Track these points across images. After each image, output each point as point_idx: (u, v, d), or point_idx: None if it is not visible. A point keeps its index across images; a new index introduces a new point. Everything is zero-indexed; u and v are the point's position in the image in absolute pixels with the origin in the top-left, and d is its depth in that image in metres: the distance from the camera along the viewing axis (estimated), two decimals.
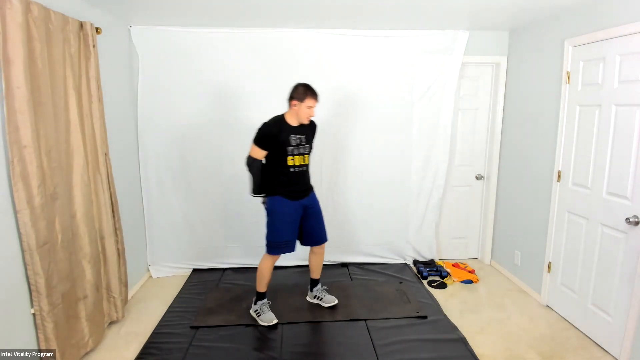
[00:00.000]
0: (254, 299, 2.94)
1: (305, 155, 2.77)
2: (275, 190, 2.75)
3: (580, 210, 2.79)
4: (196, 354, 2.51)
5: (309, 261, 3.04)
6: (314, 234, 2.91)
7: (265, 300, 2.92)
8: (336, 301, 3.05)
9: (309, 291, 3.14)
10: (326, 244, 3.83)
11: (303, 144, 2.74)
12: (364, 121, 3.69)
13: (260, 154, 2.68)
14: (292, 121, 2.69)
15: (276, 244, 2.75)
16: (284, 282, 3.45)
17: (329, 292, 3.14)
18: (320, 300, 3.07)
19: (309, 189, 2.88)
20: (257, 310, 2.88)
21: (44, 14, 2.11)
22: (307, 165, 2.81)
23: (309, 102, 2.62)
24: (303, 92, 2.62)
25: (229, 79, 3.54)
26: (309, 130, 2.81)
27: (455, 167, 3.94)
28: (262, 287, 2.87)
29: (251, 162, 2.69)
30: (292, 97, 2.66)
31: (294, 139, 2.68)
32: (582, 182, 2.77)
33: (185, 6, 2.82)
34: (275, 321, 2.82)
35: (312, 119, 2.82)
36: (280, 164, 2.70)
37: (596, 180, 2.64)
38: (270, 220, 2.76)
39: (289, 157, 2.68)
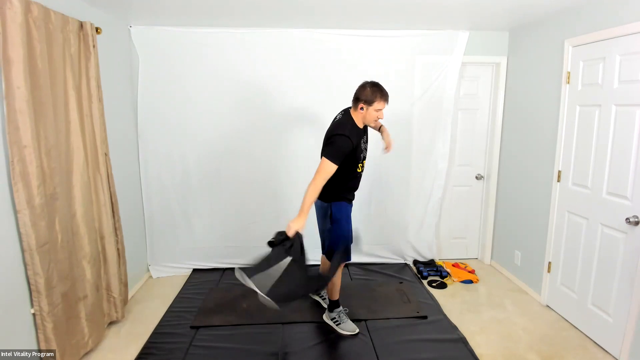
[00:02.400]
0: (327, 306, 2.86)
1: (365, 159, 2.66)
2: (340, 196, 2.58)
3: (580, 210, 2.79)
4: (196, 354, 2.51)
5: (324, 262, 2.90)
6: (331, 245, 2.75)
7: (342, 308, 2.83)
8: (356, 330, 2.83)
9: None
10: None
11: (366, 148, 2.63)
12: None
13: (333, 170, 2.34)
14: (360, 123, 2.50)
15: (346, 248, 2.62)
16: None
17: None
18: (323, 299, 3.08)
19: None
20: (334, 318, 2.79)
21: (44, 14, 2.11)
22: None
23: (378, 104, 2.39)
24: (372, 93, 2.37)
25: (229, 79, 3.54)
26: (367, 130, 2.66)
27: (455, 167, 3.94)
28: (336, 295, 2.77)
29: (319, 184, 2.32)
30: (358, 99, 2.43)
31: (363, 144, 2.55)
32: (582, 182, 2.77)
33: (185, 6, 2.82)
34: (357, 331, 2.73)
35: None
36: (350, 171, 2.52)
37: (596, 180, 2.64)
38: (339, 226, 2.59)
39: (360, 164, 2.55)
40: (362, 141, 2.54)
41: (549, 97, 3.09)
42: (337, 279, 2.72)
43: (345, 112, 2.56)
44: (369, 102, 2.40)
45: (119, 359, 2.51)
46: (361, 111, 2.44)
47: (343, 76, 3.60)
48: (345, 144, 2.35)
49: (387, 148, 2.77)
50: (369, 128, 2.74)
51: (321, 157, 2.41)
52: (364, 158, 2.63)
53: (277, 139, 3.67)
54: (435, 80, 3.65)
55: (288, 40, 3.51)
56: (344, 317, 2.79)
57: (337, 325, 2.77)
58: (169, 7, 2.85)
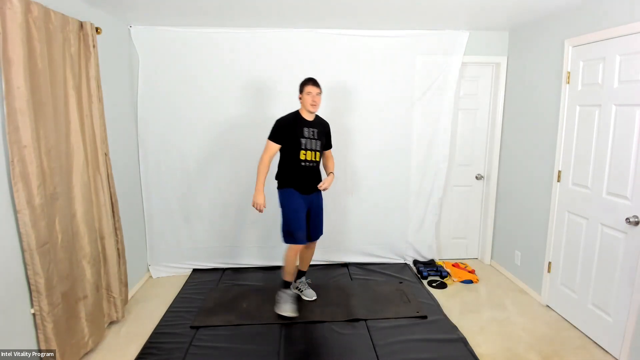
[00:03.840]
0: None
1: (317, 152, 2.89)
2: (286, 182, 2.88)
3: (580, 210, 2.79)
4: (196, 354, 2.51)
5: (300, 253, 3.05)
6: (312, 230, 3.02)
7: (289, 291, 3.00)
8: (315, 297, 3.14)
9: (294, 280, 3.18)
10: (325, 244, 3.88)
11: (315, 139, 2.86)
12: (364, 121, 3.69)
13: (274, 149, 2.83)
14: (305, 115, 2.86)
15: (287, 231, 2.85)
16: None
17: (335, 290, 3.15)
18: (301, 292, 3.17)
19: (314, 187, 2.95)
20: (277, 296, 2.97)
21: (44, 14, 2.11)
22: (317, 163, 2.93)
23: (307, 88, 2.78)
24: (302, 83, 2.83)
25: (229, 79, 3.54)
26: (321, 126, 2.94)
27: (455, 167, 3.94)
28: (286, 276, 2.94)
29: (263, 160, 2.81)
30: (299, 90, 2.87)
31: (307, 131, 2.83)
32: (582, 182, 2.76)
33: (185, 6, 2.82)
34: (292, 314, 2.85)
35: (326, 119, 3.04)
36: (293, 158, 2.84)
37: (596, 180, 2.64)
38: (283, 211, 2.88)
39: (302, 151, 2.82)
40: (305, 130, 2.83)
41: (549, 97, 3.09)
42: (287, 261, 2.89)
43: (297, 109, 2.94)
44: (301, 90, 2.83)
45: (119, 359, 2.51)
46: (300, 100, 2.86)
47: (343, 76, 3.60)
48: (278, 125, 2.83)
49: (321, 184, 2.91)
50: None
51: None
52: (312, 150, 2.85)
53: None
54: (435, 80, 3.65)
55: (288, 40, 3.51)
56: (286, 298, 2.93)
57: (277, 303, 2.93)
58: (169, 7, 2.85)
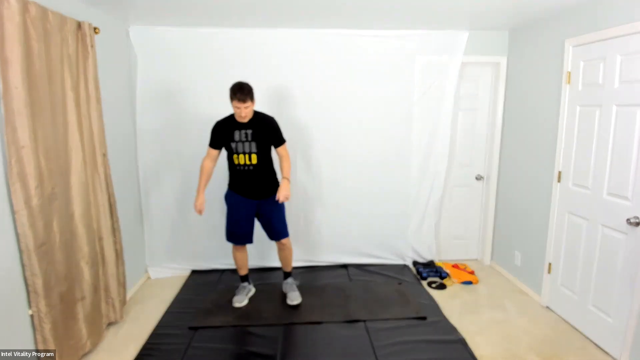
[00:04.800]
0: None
1: (252, 155, 2.82)
2: (229, 184, 2.99)
3: (580, 210, 2.78)
4: (195, 355, 2.50)
5: (278, 254, 3.17)
6: (271, 231, 3.04)
7: (245, 284, 3.19)
8: (299, 301, 3.07)
9: (283, 280, 3.27)
10: (326, 243, 3.87)
11: (247, 141, 2.79)
12: (363, 121, 3.69)
13: (212, 154, 2.90)
14: (238, 117, 2.78)
15: (227, 232, 3.00)
16: (281, 284, 3.43)
17: (334, 291, 3.14)
18: (285, 294, 3.15)
19: (265, 191, 2.92)
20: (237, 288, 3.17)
21: (42, 14, 2.10)
22: (254, 166, 2.84)
23: (234, 103, 2.68)
24: (231, 91, 2.68)
25: (228, 79, 3.51)
26: (258, 126, 2.82)
27: (455, 167, 3.93)
28: (239, 271, 3.17)
29: (202, 164, 2.92)
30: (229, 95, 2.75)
31: (237, 134, 2.80)
32: (583, 182, 2.76)
33: (184, 6, 2.81)
34: (238, 305, 3.04)
35: (268, 115, 2.94)
36: (230, 161, 2.91)
37: (596, 181, 2.63)
38: (227, 210, 3.00)
39: (234, 155, 2.83)
40: (236, 133, 2.80)
41: (549, 97, 3.08)
42: (234, 259, 3.11)
43: None
44: (230, 99, 2.71)
45: None
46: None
47: (342, 76, 3.60)
48: (212, 129, 2.88)
49: (277, 196, 2.85)
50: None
51: None
52: (245, 153, 2.82)
53: None
54: (435, 80, 3.65)
55: (288, 40, 3.50)
56: (240, 291, 3.13)
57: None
58: (168, 7, 2.84)
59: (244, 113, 2.71)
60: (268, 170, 2.93)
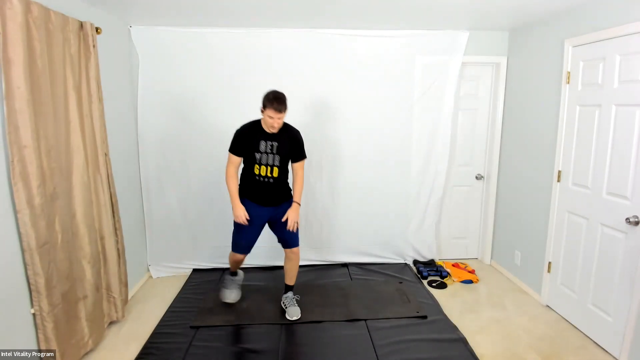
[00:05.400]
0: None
1: (274, 168, 2.70)
2: (243, 193, 2.79)
3: (580, 210, 2.79)
4: (196, 354, 2.51)
5: (285, 265, 2.97)
6: (284, 237, 2.87)
7: (235, 277, 3.10)
8: (298, 316, 2.88)
9: (282, 294, 3.06)
10: (326, 242, 3.88)
11: (272, 153, 2.68)
12: (363, 121, 3.69)
13: (237, 161, 2.73)
14: (265, 127, 2.67)
15: (234, 243, 2.86)
16: (283, 283, 3.44)
17: (335, 290, 3.13)
18: (285, 308, 2.95)
19: (280, 199, 2.82)
20: (223, 280, 3.14)
21: (44, 14, 2.11)
22: (274, 179, 2.72)
23: (269, 111, 2.55)
24: (266, 99, 2.57)
25: (229, 79, 3.54)
26: (284, 139, 2.70)
27: (455, 167, 3.94)
28: (231, 268, 3.07)
29: (227, 173, 2.73)
30: (262, 102, 2.63)
31: (263, 145, 2.66)
32: (582, 182, 2.76)
33: (185, 6, 2.82)
34: (227, 300, 3.01)
35: (296, 128, 2.82)
36: (248, 170, 2.75)
37: (596, 180, 2.64)
38: (234, 221, 2.81)
39: (256, 166, 2.69)
40: (262, 143, 2.66)
41: (549, 97, 3.09)
42: (230, 262, 3.00)
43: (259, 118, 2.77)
44: (264, 106, 2.59)
45: (119, 359, 2.51)
46: (262, 113, 2.64)
47: (343, 76, 3.60)
48: (235, 135, 2.72)
49: (289, 225, 2.77)
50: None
51: None
52: (267, 165, 2.69)
53: None
54: (435, 81, 3.65)
55: (288, 40, 3.51)
56: (229, 284, 3.08)
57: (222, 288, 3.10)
58: (169, 7, 2.85)
59: (277, 124, 2.58)
60: (285, 182, 2.84)
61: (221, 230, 3.77)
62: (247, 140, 2.67)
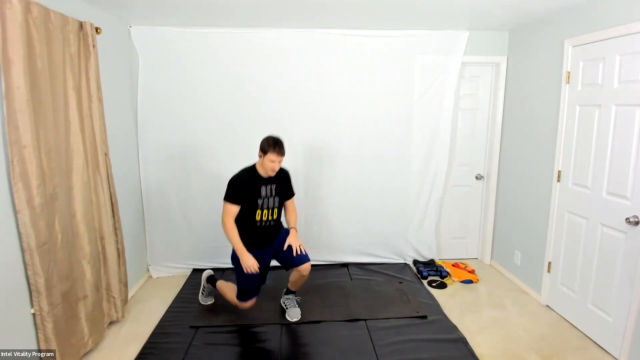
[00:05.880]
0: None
1: (274, 210, 2.75)
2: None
3: (580, 210, 2.79)
4: (196, 354, 2.51)
5: (292, 275, 2.86)
6: (296, 257, 2.77)
7: (208, 286, 3.14)
8: (298, 317, 2.89)
9: (283, 294, 3.05)
10: (326, 242, 3.88)
11: (272, 196, 2.72)
12: (363, 121, 3.69)
13: (235, 211, 2.64)
14: (262, 171, 2.68)
15: (242, 292, 2.78)
16: (283, 283, 3.43)
17: (335, 290, 3.12)
18: (286, 308, 2.96)
19: (274, 237, 2.84)
20: (203, 287, 3.15)
21: (44, 14, 2.11)
22: (274, 221, 2.77)
23: (271, 156, 2.58)
24: (267, 145, 2.59)
25: (229, 79, 3.54)
26: (279, 179, 2.76)
27: (455, 167, 3.94)
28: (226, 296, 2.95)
29: (227, 225, 2.63)
30: (260, 148, 2.63)
31: (264, 190, 2.68)
32: (582, 182, 2.76)
33: (185, 6, 2.82)
34: (204, 302, 3.11)
35: (283, 167, 2.83)
36: (247, 218, 2.68)
37: (596, 180, 2.64)
38: (235, 268, 2.74)
39: (258, 211, 2.68)
40: (263, 188, 2.67)
41: (549, 97, 3.09)
42: (224, 293, 2.95)
43: (253, 163, 2.76)
44: (264, 152, 2.60)
45: (119, 359, 2.51)
46: (260, 159, 2.65)
47: (343, 76, 3.61)
48: (233, 185, 2.64)
49: (288, 246, 2.75)
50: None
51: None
52: (268, 208, 2.71)
53: None
54: (435, 81, 3.65)
55: (288, 40, 3.51)
56: (207, 293, 3.14)
57: (202, 294, 3.15)
58: (169, 7, 2.85)
59: (278, 167, 2.64)
60: (280, 221, 2.87)
61: (221, 230, 3.76)
62: (248, 189, 2.64)
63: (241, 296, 2.79)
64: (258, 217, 2.69)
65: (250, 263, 2.59)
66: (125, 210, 3.16)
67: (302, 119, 3.65)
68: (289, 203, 2.91)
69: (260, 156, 2.64)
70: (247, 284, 2.74)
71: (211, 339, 2.66)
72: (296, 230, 2.85)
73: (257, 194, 2.67)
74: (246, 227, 2.70)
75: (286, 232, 2.85)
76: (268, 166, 2.61)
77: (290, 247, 2.73)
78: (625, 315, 2.41)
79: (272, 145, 2.58)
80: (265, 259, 2.79)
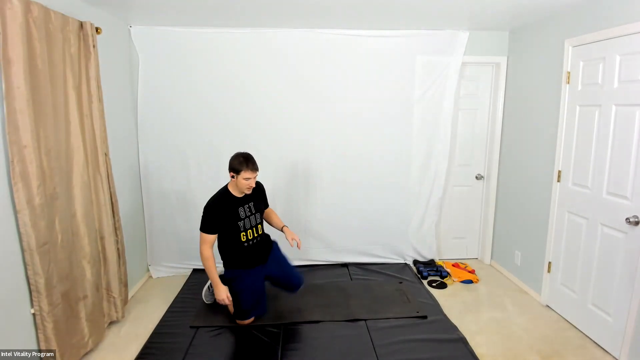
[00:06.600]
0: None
1: (258, 226, 2.76)
2: (232, 264, 2.76)
3: (580, 210, 2.79)
4: (196, 353, 2.51)
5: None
6: (291, 277, 2.89)
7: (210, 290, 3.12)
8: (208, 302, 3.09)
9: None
10: (327, 243, 3.88)
11: (253, 214, 2.71)
12: (363, 121, 3.69)
13: (213, 240, 2.63)
14: (236, 192, 2.65)
15: (244, 313, 2.76)
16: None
17: (335, 290, 3.14)
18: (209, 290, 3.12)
19: (268, 249, 2.88)
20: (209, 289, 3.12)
21: (44, 14, 2.11)
22: (260, 236, 2.78)
23: (245, 174, 2.53)
24: (238, 164, 2.53)
25: (229, 79, 3.54)
26: (255, 195, 2.75)
27: (455, 167, 3.94)
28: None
29: (204, 255, 2.61)
30: (230, 169, 2.58)
31: (242, 211, 2.65)
32: (582, 182, 2.77)
33: (185, 6, 2.82)
34: (207, 301, 3.10)
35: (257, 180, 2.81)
36: (233, 241, 2.68)
37: (596, 180, 2.64)
38: (232, 290, 2.74)
39: (242, 233, 2.66)
40: (240, 210, 2.64)
41: (549, 97, 3.09)
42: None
43: (225, 185, 2.72)
44: (237, 171, 2.54)
45: (119, 359, 2.51)
46: (233, 179, 2.60)
47: (343, 76, 3.61)
48: (208, 214, 2.58)
49: (295, 242, 2.82)
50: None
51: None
52: (251, 227, 2.71)
53: (278, 139, 3.67)
54: (435, 80, 3.65)
55: (288, 40, 3.51)
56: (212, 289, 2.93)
57: (208, 289, 3.12)
58: (169, 7, 2.85)
59: (253, 183, 2.60)
60: (264, 232, 2.88)
61: None
62: (225, 214, 2.60)
63: (239, 315, 2.79)
64: (244, 239, 2.68)
65: (222, 296, 2.63)
66: (125, 210, 3.16)
67: (303, 119, 3.65)
68: (268, 212, 2.98)
69: (232, 177, 2.59)
70: (244, 302, 2.72)
71: (211, 339, 2.66)
72: (288, 227, 2.92)
73: (237, 217, 2.62)
74: (235, 250, 2.72)
75: (277, 248, 2.93)
76: (243, 185, 2.57)
77: (283, 268, 2.86)
78: (625, 315, 2.41)
79: (244, 163, 2.53)
80: (259, 277, 2.79)
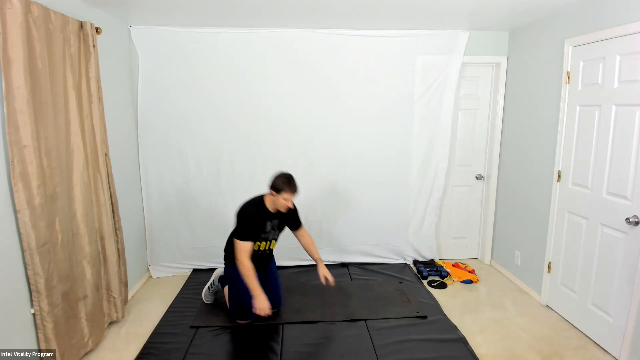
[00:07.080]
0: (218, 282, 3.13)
1: (274, 241, 2.84)
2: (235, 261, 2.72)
3: (580, 210, 2.79)
4: (196, 353, 2.51)
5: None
6: (277, 294, 2.94)
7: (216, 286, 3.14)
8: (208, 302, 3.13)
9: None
10: (327, 243, 3.88)
11: (275, 230, 2.80)
12: (363, 121, 3.69)
13: (250, 247, 2.62)
14: (270, 207, 2.70)
15: (235, 307, 2.79)
16: (284, 283, 3.44)
17: (335, 290, 3.16)
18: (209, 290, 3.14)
19: (267, 264, 2.94)
20: (211, 287, 3.11)
21: (44, 14, 2.11)
22: (270, 250, 2.86)
23: (285, 195, 2.59)
24: (281, 184, 2.58)
25: (229, 79, 3.54)
26: (284, 215, 2.80)
27: (455, 167, 3.94)
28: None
29: (245, 264, 2.57)
30: (271, 186, 2.63)
31: (269, 225, 2.73)
32: (582, 182, 2.77)
33: (185, 6, 2.82)
34: (207, 301, 3.11)
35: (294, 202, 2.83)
36: None
37: (596, 180, 2.64)
38: (231, 286, 2.78)
39: (258, 243, 2.72)
40: (268, 223, 2.72)
41: (549, 97, 3.09)
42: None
43: (261, 195, 2.76)
44: (278, 191, 2.59)
45: (119, 359, 2.51)
46: (272, 197, 2.65)
47: (343, 76, 3.61)
48: (247, 223, 2.63)
49: (328, 280, 2.90)
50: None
51: (233, 237, 2.67)
52: (268, 240, 2.77)
53: (278, 139, 3.67)
54: (436, 80, 3.65)
55: (288, 40, 3.51)
56: (213, 289, 3.13)
57: (208, 289, 3.10)
58: (169, 7, 2.85)
59: (292, 205, 2.69)
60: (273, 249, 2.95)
61: (221, 230, 3.77)
62: (257, 225, 2.67)
63: (241, 314, 2.80)
64: (256, 247, 2.74)
65: (263, 305, 2.55)
66: (125, 210, 3.16)
67: (303, 118, 3.65)
68: (303, 231, 2.98)
69: (272, 194, 2.63)
70: (245, 300, 2.68)
71: (211, 339, 2.66)
72: (322, 261, 2.98)
73: (262, 229, 2.70)
74: None
75: (274, 263, 3.00)
76: (282, 204, 2.63)
77: (274, 283, 2.91)
78: (625, 315, 2.41)
79: (287, 184, 2.59)
80: (258, 276, 2.78)
